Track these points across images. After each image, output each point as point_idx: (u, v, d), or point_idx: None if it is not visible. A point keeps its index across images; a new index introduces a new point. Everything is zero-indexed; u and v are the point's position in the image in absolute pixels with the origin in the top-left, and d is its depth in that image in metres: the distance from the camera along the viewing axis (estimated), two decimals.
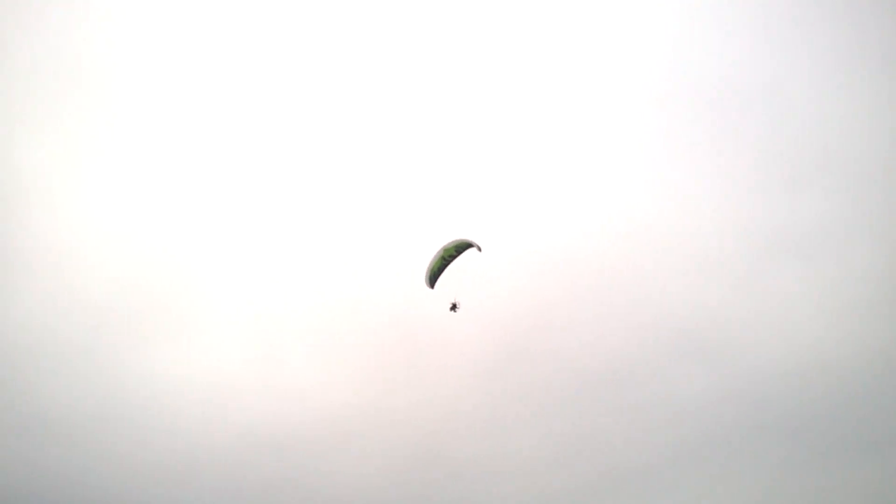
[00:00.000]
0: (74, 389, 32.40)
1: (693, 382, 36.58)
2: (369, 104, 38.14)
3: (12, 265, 31.83)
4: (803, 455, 34.64)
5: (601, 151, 38.96)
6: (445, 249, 28.97)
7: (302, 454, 35.51)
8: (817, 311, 35.90)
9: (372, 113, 38.21)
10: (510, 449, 37.30)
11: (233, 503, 33.72)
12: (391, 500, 35.86)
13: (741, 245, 37.15)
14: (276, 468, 35.17)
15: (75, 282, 32.76)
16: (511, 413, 37.52)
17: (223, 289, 35.31)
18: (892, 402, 34.23)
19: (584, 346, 37.70)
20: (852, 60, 37.04)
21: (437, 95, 38.54)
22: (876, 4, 36.92)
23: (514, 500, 36.60)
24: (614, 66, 38.31)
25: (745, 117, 37.93)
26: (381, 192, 37.74)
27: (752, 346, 36.31)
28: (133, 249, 34.06)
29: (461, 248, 28.84)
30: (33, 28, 32.77)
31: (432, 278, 29.77)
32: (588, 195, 38.93)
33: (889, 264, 35.72)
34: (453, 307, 30.77)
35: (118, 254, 33.79)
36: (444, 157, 38.63)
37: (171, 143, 35.11)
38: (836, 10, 37.24)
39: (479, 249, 28.50)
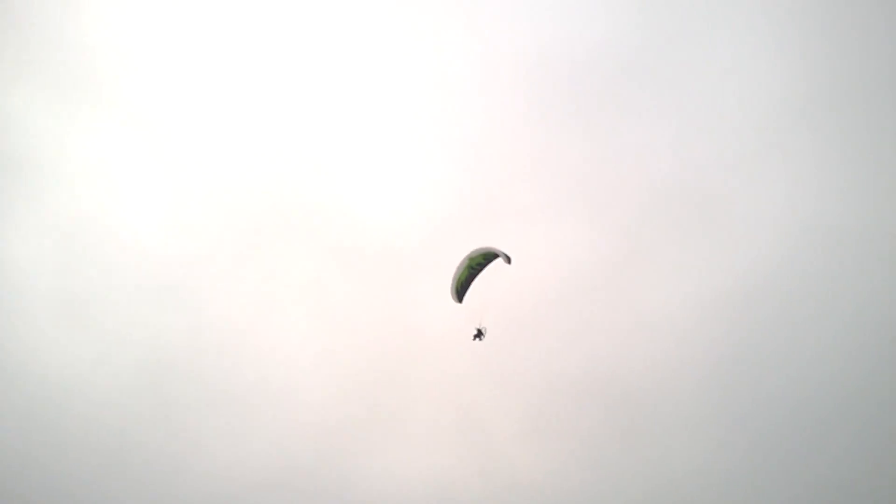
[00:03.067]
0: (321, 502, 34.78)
1: None
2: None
3: (245, 408, 35.13)
4: None
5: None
6: (471, 258, 26.12)
7: None
8: None
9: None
10: None
11: None
12: None
13: None
14: None
15: (302, 409, 35.42)
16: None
17: (431, 388, 36.37)
18: None
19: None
20: None
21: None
22: None
23: None
24: None
25: None
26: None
27: None
28: (347, 371, 36.20)
29: (489, 256, 26.02)
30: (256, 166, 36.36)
31: (460, 291, 26.68)
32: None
33: None
34: (479, 334, 27.45)
35: (334, 378, 36.05)
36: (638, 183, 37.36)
37: (354, 282, 37.23)
38: None
39: (509, 261, 25.36)
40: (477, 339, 27.66)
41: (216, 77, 35.77)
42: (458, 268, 26.48)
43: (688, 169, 37.67)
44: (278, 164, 36.48)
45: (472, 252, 26.17)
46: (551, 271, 36.87)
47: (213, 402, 34.46)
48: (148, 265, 34.62)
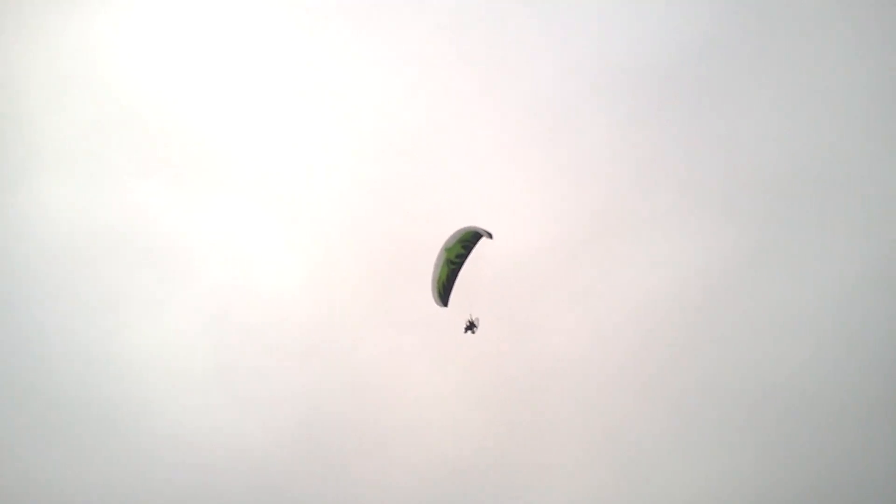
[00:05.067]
0: None
1: None
2: None
3: (396, 449, 35.84)
4: None
5: None
6: (448, 250, 22.46)
7: None
8: None
9: None
10: None
11: None
12: None
13: None
14: None
15: (449, 445, 35.82)
16: None
17: (572, 411, 35.80)
18: None
19: None
20: None
21: None
22: None
23: None
24: None
25: None
26: None
27: None
28: (488, 404, 36.38)
29: (468, 241, 22.35)
30: None
31: (443, 293, 23.18)
32: None
33: None
34: (470, 327, 24.38)
35: (476, 412, 36.32)
36: None
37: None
38: None
39: (490, 236, 22.02)
40: (468, 331, 24.70)
41: (328, 135, 37.67)
42: (436, 265, 22.99)
43: (807, 153, 35.92)
44: (399, 209, 37.58)
45: (447, 242, 22.62)
46: (684, 275, 35.68)
47: (366, 448, 35.52)
48: (289, 325, 36.44)
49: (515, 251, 36.59)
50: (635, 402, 35.37)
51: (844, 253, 35.25)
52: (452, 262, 22.81)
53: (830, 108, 35.81)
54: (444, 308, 23.66)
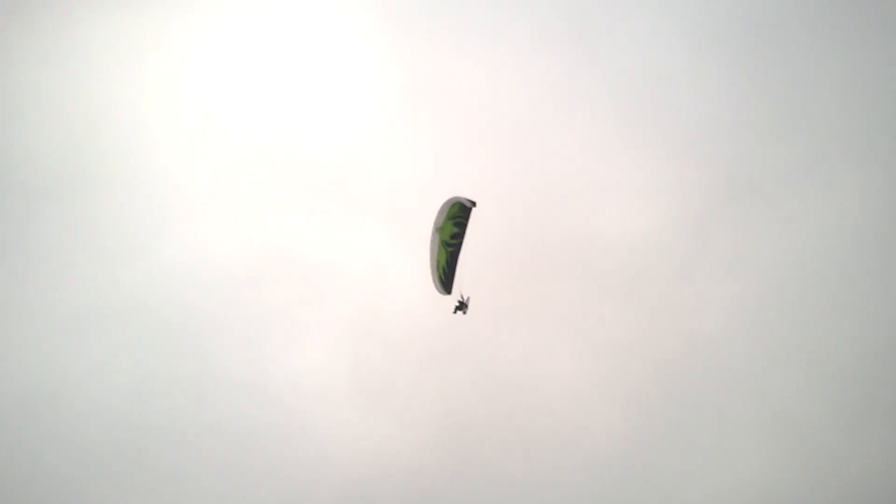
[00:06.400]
0: None
1: None
2: None
3: (540, 446, 35.49)
4: None
5: None
6: (440, 230, 20.88)
7: None
8: None
9: None
10: None
11: None
12: None
13: None
14: None
15: (594, 439, 35.04)
16: None
17: (721, 391, 34.23)
18: None
19: None
20: None
21: None
22: None
23: None
24: None
25: None
26: None
27: None
28: (630, 394, 35.38)
29: (458, 217, 20.71)
30: None
31: (445, 281, 21.70)
32: None
33: None
34: (461, 306, 22.69)
35: (619, 403, 35.45)
36: None
37: None
38: None
39: (474, 204, 20.52)
40: (459, 311, 23.16)
41: (444, 146, 38.46)
42: (432, 250, 21.63)
43: None
44: (521, 204, 37.48)
45: (437, 221, 21.14)
46: (835, 233, 33.09)
47: (511, 447, 35.51)
48: (422, 333, 37.23)
49: (643, 232, 35.74)
50: (791, 371, 33.20)
51: None
52: (449, 244, 21.45)
53: None
54: (447, 295, 22.38)
